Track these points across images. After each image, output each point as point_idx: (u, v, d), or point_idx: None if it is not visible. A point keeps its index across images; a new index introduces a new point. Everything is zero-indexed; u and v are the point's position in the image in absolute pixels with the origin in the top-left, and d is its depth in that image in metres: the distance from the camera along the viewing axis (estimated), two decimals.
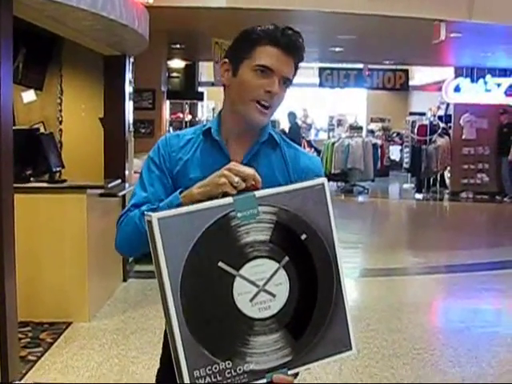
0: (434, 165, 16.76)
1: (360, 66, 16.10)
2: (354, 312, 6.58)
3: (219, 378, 1.66)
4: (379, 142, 19.14)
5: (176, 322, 1.61)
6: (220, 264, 1.66)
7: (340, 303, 1.84)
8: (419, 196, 16.60)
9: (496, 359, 5.31)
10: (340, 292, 1.84)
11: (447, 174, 17.23)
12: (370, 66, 16.23)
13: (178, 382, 1.64)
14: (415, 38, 10.54)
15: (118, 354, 5.15)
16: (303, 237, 1.77)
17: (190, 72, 15.09)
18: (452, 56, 13.79)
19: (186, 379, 1.62)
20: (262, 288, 1.71)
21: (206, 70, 16.16)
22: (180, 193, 1.84)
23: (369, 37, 11.01)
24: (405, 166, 18.13)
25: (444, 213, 15.66)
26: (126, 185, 7.08)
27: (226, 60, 2.06)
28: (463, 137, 16.49)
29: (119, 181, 6.99)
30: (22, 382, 2.29)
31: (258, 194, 1.71)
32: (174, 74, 14.54)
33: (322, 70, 16.01)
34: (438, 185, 17.28)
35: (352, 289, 7.45)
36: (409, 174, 17.99)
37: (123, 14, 5.53)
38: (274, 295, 1.72)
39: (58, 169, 6.72)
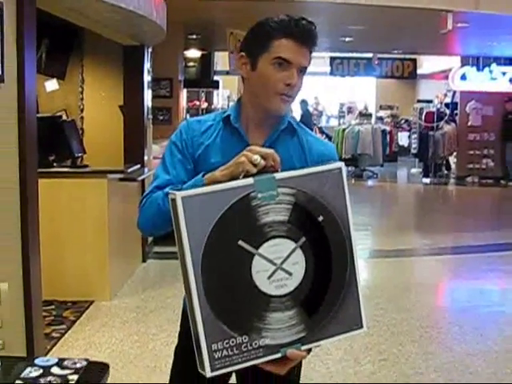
0: (440, 150, 16.69)
1: (369, 55, 16.05)
2: (364, 291, 6.53)
3: (236, 352, 1.67)
4: (388, 128, 19.07)
5: (196, 298, 1.61)
6: (240, 243, 1.65)
7: (353, 283, 1.84)
8: (426, 180, 16.55)
9: (501, 337, 5.30)
10: (353, 273, 1.83)
11: (453, 159, 17.16)
12: (379, 56, 16.17)
13: (197, 354, 1.65)
14: (423, 28, 10.48)
15: (138, 331, 5.17)
16: (320, 218, 1.76)
17: (206, 61, 15.07)
18: (459, 45, 13.71)
19: (205, 352, 1.62)
20: (279, 266, 1.70)
21: (221, 60, 16.13)
22: (203, 176, 1.84)
23: (378, 27, 10.97)
24: (412, 151, 18.06)
25: (450, 196, 15.60)
26: (145, 170, 7.10)
27: (243, 53, 2.04)
28: (469, 123, 16.42)
29: (138, 166, 7.01)
30: (46, 357, 2.29)
31: (277, 175, 1.70)
32: (191, 64, 14.52)
33: (332, 59, 15.98)
34: (443, 169, 17.18)
35: (362, 269, 7.40)
36: (416, 160, 17.91)
37: (142, 5, 5.52)
38: (290, 273, 1.72)
39: (79, 154, 6.73)
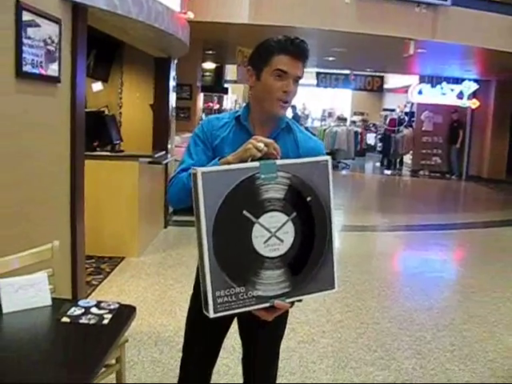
0: (400, 149, 16.72)
1: (347, 72, 15.98)
2: (336, 257, 6.58)
3: (234, 299, 1.68)
4: (359, 130, 19.02)
5: (207, 253, 1.63)
6: (244, 212, 1.67)
7: (330, 251, 1.86)
8: (388, 172, 16.58)
9: (441, 296, 5.33)
10: (331, 243, 1.86)
11: (409, 157, 17.16)
12: (354, 72, 16.10)
13: (203, 299, 1.67)
14: (391, 52, 10.42)
15: (159, 281, 5.18)
16: (308, 199, 1.78)
17: (219, 72, 14.97)
18: (417, 67, 13.64)
19: (210, 297, 1.64)
20: (273, 234, 1.72)
21: (230, 71, 16.02)
22: (219, 159, 1.87)
23: (355, 50, 10.90)
24: (378, 149, 18.07)
25: (406, 185, 15.59)
26: (169, 155, 7.09)
27: (250, 67, 2.04)
28: (423, 128, 16.44)
29: (164, 152, 7.00)
30: (87, 299, 2.30)
31: (278, 162, 1.73)
32: (207, 73, 14.43)
33: (318, 73, 15.93)
34: (398, 164, 17.28)
35: (335, 240, 7.43)
36: (381, 155, 17.89)
37: (170, 25, 5.48)
38: (282, 240, 1.74)
39: (117, 142, 6.71)
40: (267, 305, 1.76)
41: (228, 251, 1.66)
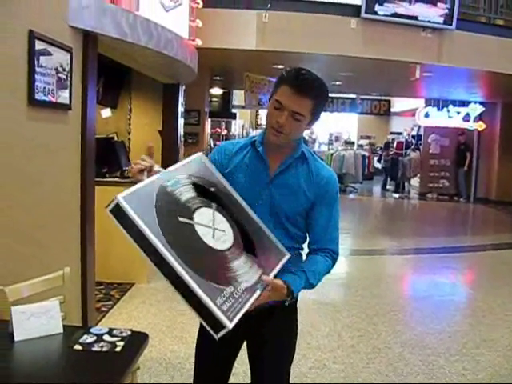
0: (407, 172, 16.71)
1: (354, 96, 16.08)
2: (346, 281, 6.55)
3: (232, 300, 1.64)
4: (367, 153, 19.08)
5: (182, 270, 1.56)
6: (180, 219, 1.68)
7: (259, 226, 1.93)
8: (396, 195, 16.54)
9: (452, 320, 5.26)
10: (254, 220, 1.93)
11: (417, 180, 17.14)
12: (361, 96, 16.22)
13: (207, 322, 1.59)
14: (397, 76, 10.49)
15: (169, 307, 5.15)
16: (212, 189, 1.86)
17: (226, 98, 15.10)
18: (424, 90, 13.71)
19: (216, 310, 1.56)
20: (213, 227, 1.75)
21: (238, 97, 16.14)
22: None
23: (362, 74, 10.97)
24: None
25: (414, 208, 15.54)
26: None
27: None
28: (430, 151, 16.47)
29: None
30: (99, 326, 2.29)
31: (170, 168, 1.80)
32: (214, 99, 14.56)
33: None
34: (405, 187, 17.20)
35: (343, 264, 7.41)
36: (388, 179, 17.91)
37: (179, 52, 5.53)
38: (223, 231, 1.78)
39: (126, 168, 6.73)
40: (258, 292, 1.76)
41: (196, 259, 1.63)
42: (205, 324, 1.60)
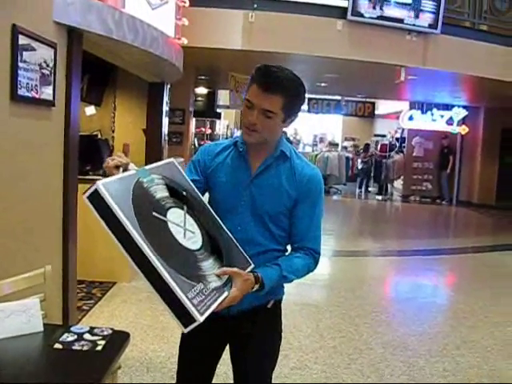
0: (391, 174, 16.79)
1: (338, 97, 16.12)
2: (328, 282, 6.56)
3: (202, 297, 1.64)
4: (350, 155, 19.14)
5: (156, 261, 1.56)
6: (154, 214, 1.68)
7: (225, 234, 1.93)
8: (379, 197, 16.62)
9: (434, 322, 5.30)
10: (221, 228, 1.93)
11: (400, 182, 17.24)
12: (345, 98, 16.26)
13: (177, 315, 1.59)
14: (382, 79, 10.53)
15: (151, 307, 5.11)
16: (184, 193, 1.86)
17: (211, 97, 15.05)
18: (408, 93, 13.79)
19: (187, 303, 1.56)
20: (184, 228, 1.75)
21: (223, 96, 16.14)
22: None
23: (347, 76, 11.00)
24: (371, 174, 18.12)
25: (397, 211, 15.65)
26: None
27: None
28: (414, 154, 16.56)
29: None
30: (80, 325, 2.27)
31: (147, 167, 1.80)
32: (199, 98, 14.52)
33: (309, 99, 16.01)
34: (388, 189, 17.24)
35: (326, 266, 7.42)
36: (368, 180, 17.99)
37: (165, 51, 5.51)
38: (193, 232, 1.78)
39: None
40: (226, 293, 1.75)
41: (168, 252, 1.62)
42: (175, 317, 1.60)
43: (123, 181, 1.68)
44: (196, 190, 1.94)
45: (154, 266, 1.56)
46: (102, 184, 1.58)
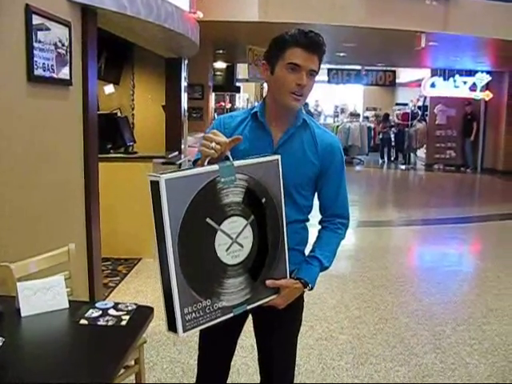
0: (413, 143, 16.62)
1: (359, 67, 15.91)
2: (353, 253, 6.55)
3: (201, 314, 1.66)
4: (372, 125, 18.96)
5: (173, 268, 1.57)
6: (207, 220, 1.63)
7: (282, 256, 1.87)
8: (402, 167, 16.48)
9: (459, 290, 5.27)
10: (283, 246, 1.87)
11: (423, 150, 17.05)
12: (366, 68, 16.04)
13: (167, 317, 1.65)
14: (402, 46, 10.36)
15: None
16: (263, 200, 1.78)
17: (230, 71, 14.96)
18: (429, 60, 13.55)
19: (178, 316, 1.61)
20: (234, 240, 1.70)
21: (241, 70, 16.01)
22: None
23: (366, 45, 10.85)
24: (392, 143, 17.96)
25: (421, 180, 15.50)
26: (182, 156, 7.10)
27: (265, 62, 2.01)
28: (436, 122, 16.33)
29: (177, 153, 7.01)
30: (104, 301, 2.30)
31: (235, 163, 1.70)
32: (218, 73, 14.43)
33: (329, 70, 15.84)
34: (411, 158, 17.06)
35: (350, 236, 7.41)
36: (390, 150, 17.83)
37: (180, 25, 5.47)
38: (242, 246, 1.73)
39: (131, 143, 6.73)
40: (231, 315, 1.75)
41: (194, 263, 1.62)
42: (165, 316, 1.66)
43: (192, 179, 1.60)
44: (282, 198, 1.85)
45: (169, 267, 1.58)
46: (165, 180, 1.54)
